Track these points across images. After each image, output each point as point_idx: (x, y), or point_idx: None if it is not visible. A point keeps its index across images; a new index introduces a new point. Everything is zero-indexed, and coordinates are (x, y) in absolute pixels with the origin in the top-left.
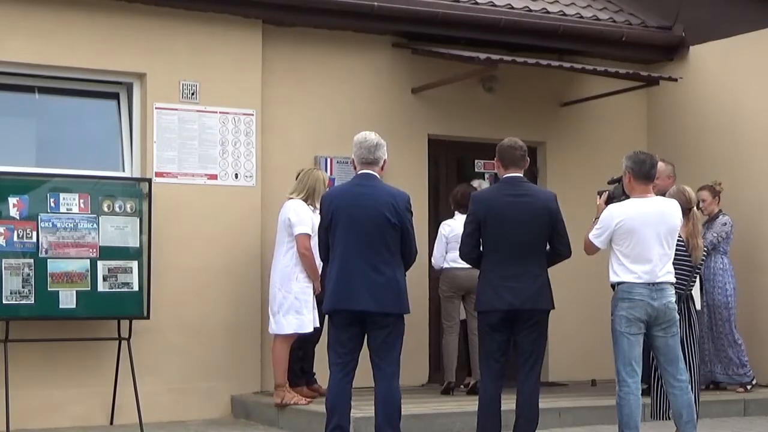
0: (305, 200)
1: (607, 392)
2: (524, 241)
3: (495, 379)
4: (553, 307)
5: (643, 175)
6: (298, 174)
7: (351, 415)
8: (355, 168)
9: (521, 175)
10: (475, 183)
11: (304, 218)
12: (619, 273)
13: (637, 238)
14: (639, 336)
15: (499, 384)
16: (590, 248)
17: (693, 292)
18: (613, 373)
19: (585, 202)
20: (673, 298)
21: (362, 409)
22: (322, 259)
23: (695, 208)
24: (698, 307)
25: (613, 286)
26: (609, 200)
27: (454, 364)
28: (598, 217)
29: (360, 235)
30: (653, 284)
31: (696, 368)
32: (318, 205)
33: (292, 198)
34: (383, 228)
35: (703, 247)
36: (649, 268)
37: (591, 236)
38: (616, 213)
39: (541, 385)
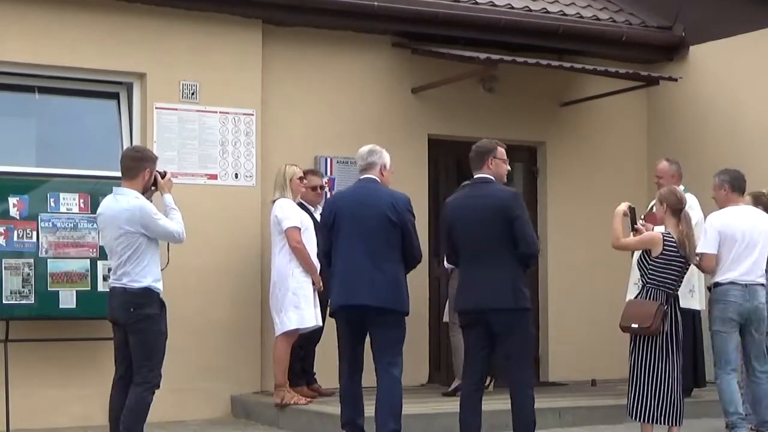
0: (287, 197)
1: (608, 392)
2: (482, 241)
3: (468, 376)
4: (524, 307)
5: (738, 187)
6: None
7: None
8: None
9: (484, 176)
10: None
11: (290, 213)
12: (717, 275)
13: (739, 243)
14: (734, 333)
15: (474, 382)
16: (709, 261)
17: (688, 293)
18: (612, 374)
19: (585, 201)
20: (764, 299)
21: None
22: (320, 260)
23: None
24: (702, 307)
25: (709, 288)
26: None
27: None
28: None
29: (362, 234)
30: (748, 286)
31: (679, 369)
32: (294, 196)
33: (275, 199)
34: (384, 226)
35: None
36: (744, 270)
37: (702, 249)
38: (720, 220)
39: (540, 385)
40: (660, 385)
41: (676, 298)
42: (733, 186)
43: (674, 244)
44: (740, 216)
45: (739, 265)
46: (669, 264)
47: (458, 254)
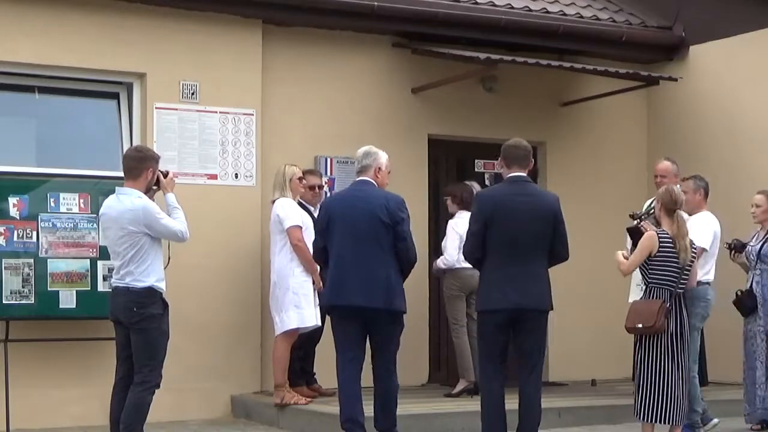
0: (287, 197)
1: (608, 392)
2: (527, 241)
3: (497, 380)
4: (552, 308)
5: (708, 195)
6: None
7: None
8: None
9: (525, 175)
10: (468, 183)
11: (291, 212)
12: (699, 274)
13: (719, 246)
14: None
15: (502, 384)
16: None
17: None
18: (612, 374)
19: (585, 201)
20: None
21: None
22: (315, 260)
23: (680, 209)
24: None
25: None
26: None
27: (471, 363)
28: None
29: (353, 235)
30: (712, 286)
31: (684, 369)
32: (294, 196)
33: (275, 199)
34: (376, 227)
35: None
36: (713, 271)
37: (704, 245)
38: (714, 223)
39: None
40: (665, 385)
41: (681, 297)
42: (706, 192)
43: (670, 241)
44: (717, 222)
45: (713, 267)
46: (666, 261)
47: (487, 251)
